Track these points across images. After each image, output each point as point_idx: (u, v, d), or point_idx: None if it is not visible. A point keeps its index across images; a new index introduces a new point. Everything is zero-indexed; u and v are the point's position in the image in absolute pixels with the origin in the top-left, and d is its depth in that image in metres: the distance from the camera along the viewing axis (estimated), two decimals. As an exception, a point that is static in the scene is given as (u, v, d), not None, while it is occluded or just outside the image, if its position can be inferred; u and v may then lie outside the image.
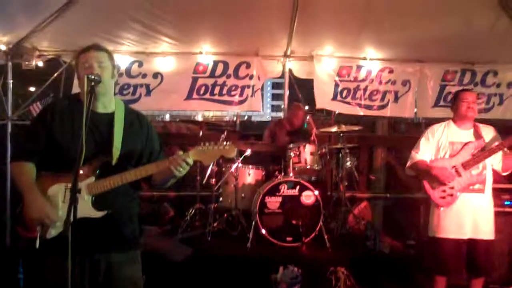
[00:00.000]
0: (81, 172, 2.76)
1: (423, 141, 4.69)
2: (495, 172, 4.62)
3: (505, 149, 4.46)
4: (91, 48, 3.01)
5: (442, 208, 4.47)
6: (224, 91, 7.45)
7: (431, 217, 4.61)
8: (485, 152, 4.40)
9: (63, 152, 2.89)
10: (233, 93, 7.46)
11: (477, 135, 4.54)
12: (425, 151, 4.64)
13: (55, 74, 7.32)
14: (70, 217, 2.55)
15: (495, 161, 4.54)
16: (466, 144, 4.49)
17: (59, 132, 2.94)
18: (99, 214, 2.87)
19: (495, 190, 5.54)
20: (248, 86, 7.46)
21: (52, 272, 2.90)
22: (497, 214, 5.48)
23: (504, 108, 7.50)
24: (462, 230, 4.41)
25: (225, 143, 2.98)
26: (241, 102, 7.51)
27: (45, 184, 2.91)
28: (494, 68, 7.45)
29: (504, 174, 4.65)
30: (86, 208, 2.82)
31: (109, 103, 3.08)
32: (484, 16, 6.19)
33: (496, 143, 4.45)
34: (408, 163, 4.75)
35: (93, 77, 2.80)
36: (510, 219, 5.63)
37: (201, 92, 7.43)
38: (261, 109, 7.91)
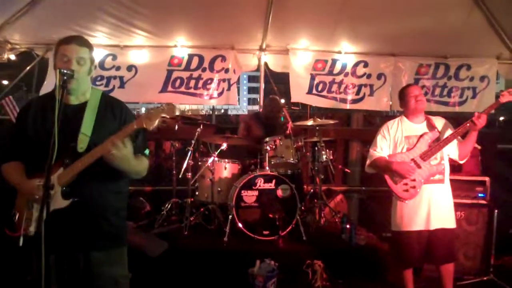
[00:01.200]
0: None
1: (379, 138, 4.75)
2: (453, 161, 4.72)
3: (459, 137, 4.55)
4: (73, 41, 2.95)
5: (406, 201, 4.53)
6: (200, 85, 7.42)
7: (394, 212, 4.69)
8: (440, 142, 4.48)
9: (37, 150, 2.87)
10: (208, 86, 7.44)
11: (431, 126, 4.62)
12: (383, 147, 4.70)
13: (28, 68, 7.22)
14: (43, 213, 2.54)
15: (451, 150, 4.61)
16: (421, 136, 4.56)
17: (33, 131, 2.94)
18: (66, 203, 2.83)
19: (469, 183, 5.66)
20: (224, 80, 7.44)
21: (33, 273, 2.88)
22: (471, 206, 5.62)
23: (478, 102, 7.60)
24: (425, 221, 4.50)
25: (165, 104, 2.93)
26: (217, 96, 7.49)
27: None
28: (467, 62, 7.56)
29: (461, 161, 4.74)
30: (56, 200, 2.79)
31: (82, 95, 3.05)
32: (457, 10, 6.28)
33: (450, 132, 4.53)
34: (368, 162, 4.82)
35: (65, 71, 2.77)
36: (483, 210, 5.72)
37: (176, 85, 7.38)
38: (237, 103, 7.90)
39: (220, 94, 7.47)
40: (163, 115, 2.90)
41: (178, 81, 7.38)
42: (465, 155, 4.66)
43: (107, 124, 3.04)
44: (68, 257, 2.91)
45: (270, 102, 7.44)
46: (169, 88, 7.37)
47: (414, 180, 4.49)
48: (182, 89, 7.39)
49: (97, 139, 2.92)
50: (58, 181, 2.82)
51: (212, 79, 7.43)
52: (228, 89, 7.48)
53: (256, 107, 7.73)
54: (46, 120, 2.92)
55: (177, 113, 2.96)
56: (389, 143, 4.69)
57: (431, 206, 4.50)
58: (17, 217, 2.93)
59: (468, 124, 4.41)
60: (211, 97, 7.53)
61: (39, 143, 2.86)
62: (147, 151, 3.19)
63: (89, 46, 3.04)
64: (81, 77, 2.95)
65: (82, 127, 2.93)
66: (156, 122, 2.88)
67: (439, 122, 4.67)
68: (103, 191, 3.03)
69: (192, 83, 7.40)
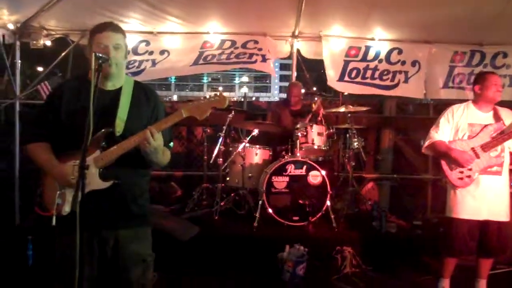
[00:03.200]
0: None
1: (443, 121, 4.64)
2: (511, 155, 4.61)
3: None
4: (108, 29, 2.98)
5: (458, 189, 4.47)
6: (232, 57, 7.36)
7: (448, 197, 4.60)
8: (504, 135, 4.38)
9: (70, 132, 2.92)
10: (241, 57, 7.36)
11: (497, 117, 4.51)
12: (445, 131, 4.60)
13: (63, 54, 7.33)
14: (78, 193, 2.60)
15: None
16: (485, 126, 4.47)
17: (65, 112, 2.97)
18: (106, 184, 2.88)
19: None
20: (257, 54, 7.36)
21: (61, 250, 2.94)
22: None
23: None
24: (478, 211, 4.42)
25: (215, 94, 2.99)
26: (250, 63, 7.43)
27: None
28: (503, 50, 7.35)
29: None
30: (94, 181, 2.85)
31: (118, 81, 3.09)
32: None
33: None
34: (427, 143, 4.70)
35: (100, 55, 2.81)
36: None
37: (208, 59, 7.36)
38: (274, 74, 7.85)
39: (253, 62, 7.39)
40: (214, 105, 2.96)
41: (210, 56, 7.34)
42: None
43: (141, 109, 3.09)
44: (98, 236, 2.97)
45: (290, 87, 7.52)
46: (201, 62, 7.35)
47: (470, 169, 4.42)
48: (214, 61, 7.36)
49: (132, 123, 2.98)
50: (95, 163, 2.86)
51: (245, 53, 7.36)
52: (263, 60, 7.38)
53: (288, 95, 7.65)
54: (80, 103, 2.95)
55: (227, 104, 3.00)
56: (451, 127, 4.60)
57: (486, 198, 4.43)
58: (45, 196, 2.98)
59: None
60: (243, 63, 7.51)
61: (72, 126, 2.91)
62: (171, 144, 3.23)
63: (123, 32, 3.08)
64: (119, 62, 3.00)
65: (118, 111, 2.98)
66: (207, 113, 2.95)
67: (506, 114, 4.56)
68: (134, 174, 3.09)
69: (224, 57, 7.35)
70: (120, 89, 3.07)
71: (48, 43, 7.14)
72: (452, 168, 4.49)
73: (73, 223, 2.60)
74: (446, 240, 4.64)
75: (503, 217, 4.47)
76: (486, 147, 4.40)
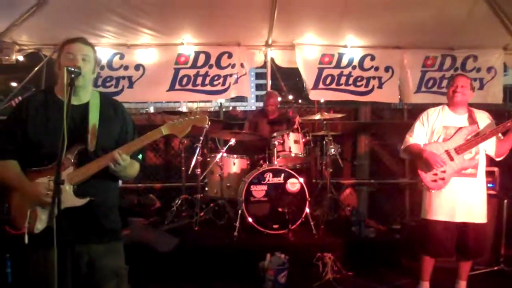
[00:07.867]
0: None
1: (417, 125, 4.72)
2: (488, 157, 4.67)
3: (499, 134, 4.50)
4: (78, 40, 2.98)
5: (433, 191, 4.52)
6: (207, 81, 7.43)
7: (424, 199, 4.66)
8: (478, 137, 4.43)
9: (37, 148, 2.88)
10: (215, 83, 7.45)
11: (472, 120, 4.56)
12: (419, 134, 4.67)
13: (36, 68, 7.28)
14: (55, 209, 2.58)
15: (489, 146, 4.56)
16: (459, 129, 4.51)
17: (32, 128, 2.91)
18: (82, 201, 2.86)
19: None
20: (231, 75, 7.45)
21: (34, 266, 2.91)
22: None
23: (485, 93, 7.58)
24: (453, 213, 4.47)
25: (196, 114, 3.10)
26: (224, 91, 7.51)
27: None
28: (473, 53, 7.52)
29: (498, 159, 4.68)
30: (68, 198, 2.82)
31: (84, 96, 3.05)
32: (462, 1, 6.25)
33: (490, 129, 4.49)
34: (402, 146, 4.79)
35: (72, 69, 2.79)
36: (493, 201, 5.69)
37: (183, 83, 7.41)
38: (250, 94, 7.90)
39: (226, 89, 7.49)
40: (194, 124, 3.05)
41: (185, 79, 7.40)
42: (503, 153, 4.61)
43: (111, 124, 3.09)
44: (72, 251, 2.93)
45: (266, 96, 7.50)
46: (177, 86, 7.40)
47: (444, 171, 4.45)
48: (189, 86, 7.41)
49: (103, 139, 2.98)
50: (69, 180, 2.84)
51: (219, 76, 7.44)
52: (235, 82, 7.49)
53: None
54: (48, 118, 2.92)
55: (208, 123, 3.12)
56: (426, 130, 4.66)
57: (460, 199, 4.47)
58: (14, 214, 2.92)
59: (508, 124, 4.38)
60: (218, 93, 7.56)
61: (40, 142, 2.88)
62: (140, 156, 3.25)
63: (93, 46, 3.07)
64: (87, 73, 2.97)
65: (89, 127, 2.96)
66: (187, 131, 3.04)
67: (481, 117, 4.60)
68: (105, 189, 3.08)
69: (199, 80, 7.42)
70: (87, 104, 3.04)
71: (21, 58, 7.10)
72: (427, 170, 4.53)
73: (45, 240, 2.62)
74: (423, 242, 4.70)
75: (480, 219, 4.51)
76: (460, 149, 4.45)
